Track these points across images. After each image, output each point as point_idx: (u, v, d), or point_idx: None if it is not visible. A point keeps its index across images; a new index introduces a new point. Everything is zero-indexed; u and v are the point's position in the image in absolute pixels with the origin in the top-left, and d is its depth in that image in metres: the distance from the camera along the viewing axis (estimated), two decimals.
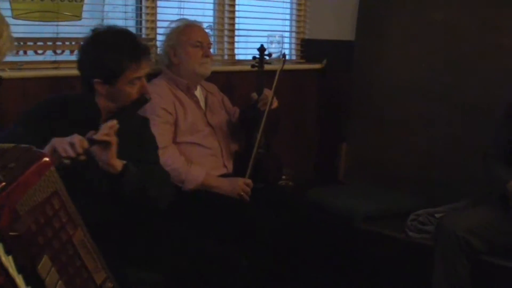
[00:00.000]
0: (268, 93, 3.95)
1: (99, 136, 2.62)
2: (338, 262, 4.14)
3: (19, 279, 1.89)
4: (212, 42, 4.12)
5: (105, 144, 2.65)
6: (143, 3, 4.25)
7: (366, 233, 4.19)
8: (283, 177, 4.27)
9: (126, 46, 2.88)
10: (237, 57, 4.89)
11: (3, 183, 1.88)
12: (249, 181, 3.79)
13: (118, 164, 2.73)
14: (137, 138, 3.02)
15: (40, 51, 3.82)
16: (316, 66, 5.23)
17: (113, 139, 2.66)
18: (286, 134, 4.83)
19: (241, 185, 3.76)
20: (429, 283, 3.60)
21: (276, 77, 3.92)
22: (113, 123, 2.67)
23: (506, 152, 3.71)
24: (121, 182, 2.75)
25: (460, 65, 4.53)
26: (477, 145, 4.09)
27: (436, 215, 3.98)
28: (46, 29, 3.80)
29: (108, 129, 2.64)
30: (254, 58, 4.17)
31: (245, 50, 4.85)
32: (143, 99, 2.94)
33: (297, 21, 5.32)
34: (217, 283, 3.07)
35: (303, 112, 5.21)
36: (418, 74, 4.72)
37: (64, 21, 3.81)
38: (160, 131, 3.63)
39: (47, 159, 2.06)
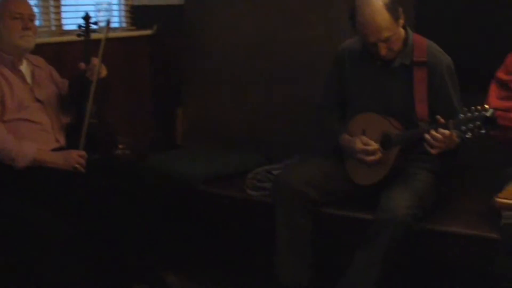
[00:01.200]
0: (95, 61, 3.87)
1: None
2: (183, 226, 4.15)
3: None
4: (35, 14, 3.98)
5: None
6: None
7: (207, 195, 4.21)
8: (120, 146, 4.21)
9: None
10: (65, 28, 4.75)
11: None
12: (82, 152, 3.72)
13: None
14: None
15: None
16: (147, 32, 5.18)
17: None
18: (120, 102, 4.77)
19: (74, 157, 3.68)
20: (272, 239, 3.65)
21: (102, 45, 3.83)
22: None
23: (337, 103, 3.80)
24: None
25: (291, 20, 4.61)
26: (312, 100, 4.16)
27: (273, 171, 4.04)
28: None
29: None
30: (79, 27, 4.08)
31: (74, 20, 4.72)
32: None
33: None
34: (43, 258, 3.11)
35: (136, 79, 5.16)
36: (250, 33, 4.77)
37: None
38: None
39: None
